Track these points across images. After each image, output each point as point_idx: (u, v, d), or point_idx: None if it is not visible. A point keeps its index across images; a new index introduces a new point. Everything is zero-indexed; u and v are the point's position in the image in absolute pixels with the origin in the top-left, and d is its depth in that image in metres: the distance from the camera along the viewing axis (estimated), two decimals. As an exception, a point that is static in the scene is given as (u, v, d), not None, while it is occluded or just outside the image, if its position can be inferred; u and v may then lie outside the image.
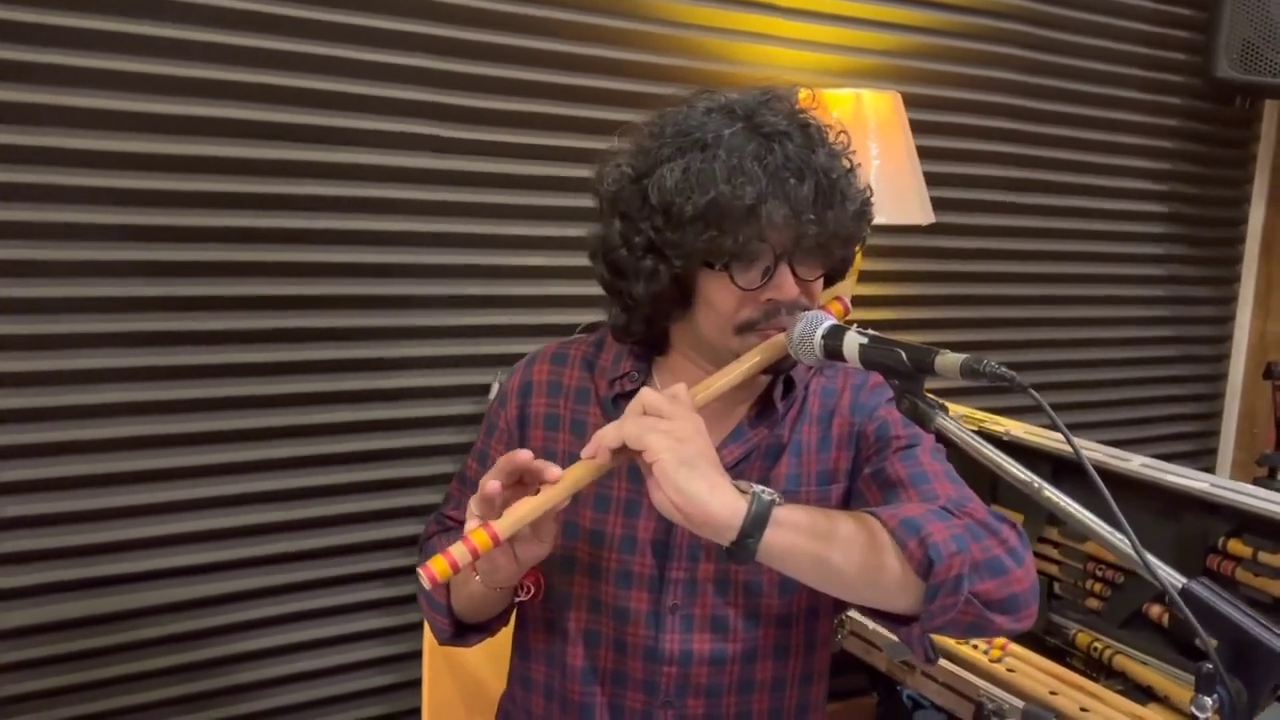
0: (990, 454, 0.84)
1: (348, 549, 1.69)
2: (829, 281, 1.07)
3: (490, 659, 1.35)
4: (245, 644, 1.62)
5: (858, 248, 1.11)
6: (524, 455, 0.92)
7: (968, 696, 1.40)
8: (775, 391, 1.08)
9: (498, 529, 0.89)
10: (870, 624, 1.54)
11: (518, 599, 1.07)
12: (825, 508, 0.97)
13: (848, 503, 1.06)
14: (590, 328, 1.73)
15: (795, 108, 1.02)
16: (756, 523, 0.88)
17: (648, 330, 1.07)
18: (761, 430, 1.08)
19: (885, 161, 1.73)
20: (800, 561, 0.91)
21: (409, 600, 1.70)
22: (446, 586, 1.05)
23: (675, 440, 0.89)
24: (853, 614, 1.54)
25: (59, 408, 1.46)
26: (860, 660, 1.60)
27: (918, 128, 1.84)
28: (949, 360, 0.85)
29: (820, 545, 0.90)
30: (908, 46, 2.10)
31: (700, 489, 0.88)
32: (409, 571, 1.71)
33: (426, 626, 1.43)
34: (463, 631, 1.10)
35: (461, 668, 1.42)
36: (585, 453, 0.93)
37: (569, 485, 0.92)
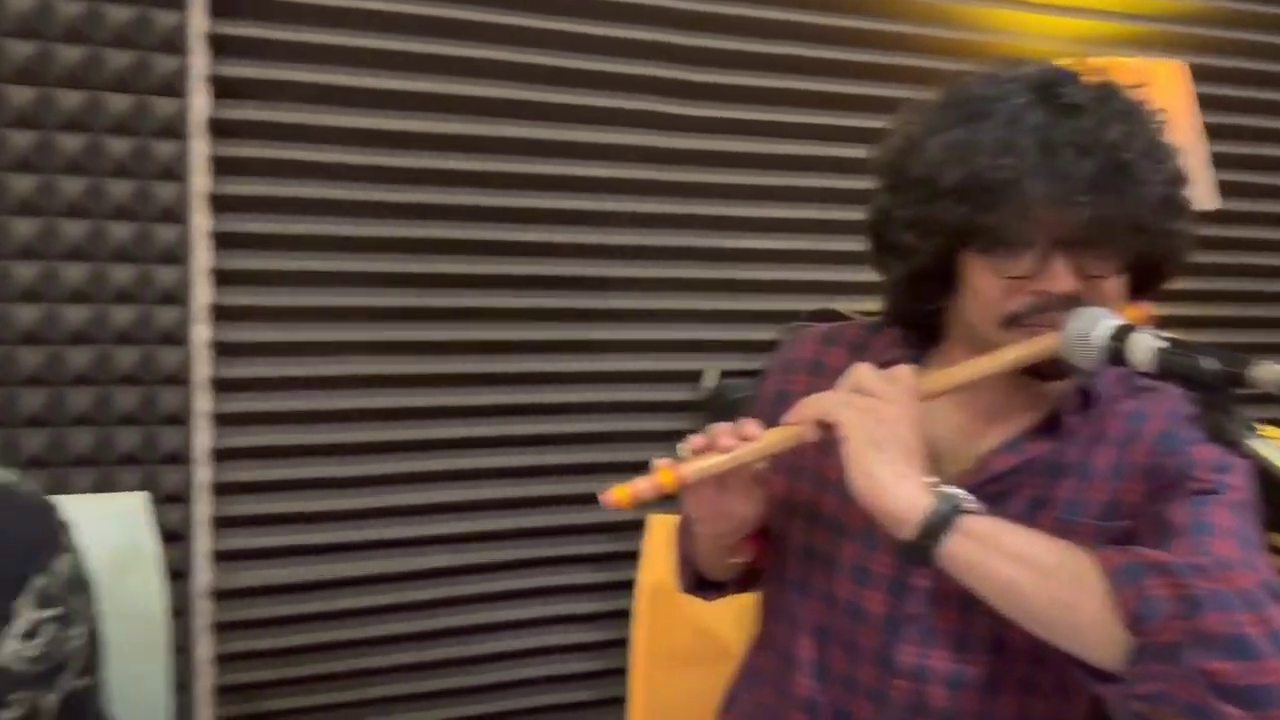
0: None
1: (558, 530, 1.68)
2: (1141, 287, 0.92)
3: (700, 643, 1.35)
4: (457, 619, 1.64)
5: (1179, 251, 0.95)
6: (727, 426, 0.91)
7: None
8: (1068, 403, 0.96)
9: (683, 471, 0.89)
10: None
11: (731, 559, 1.03)
12: (1097, 544, 0.85)
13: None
14: (823, 315, 1.64)
15: (1107, 82, 0.90)
16: (936, 525, 0.82)
17: (912, 314, 1.00)
18: (1043, 444, 0.95)
19: (1166, 139, 1.55)
20: (984, 580, 0.83)
21: (620, 586, 1.67)
22: (690, 538, 1.07)
23: (873, 420, 0.85)
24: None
25: (299, 378, 1.51)
26: None
27: (1205, 103, 1.66)
28: (1270, 372, 0.70)
29: (1011, 567, 0.82)
30: (1196, 12, 1.89)
31: (883, 474, 0.84)
32: (619, 557, 1.68)
33: (636, 612, 1.41)
34: (701, 585, 1.11)
35: (671, 657, 1.39)
36: (787, 418, 0.90)
37: (761, 447, 0.90)
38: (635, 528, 1.47)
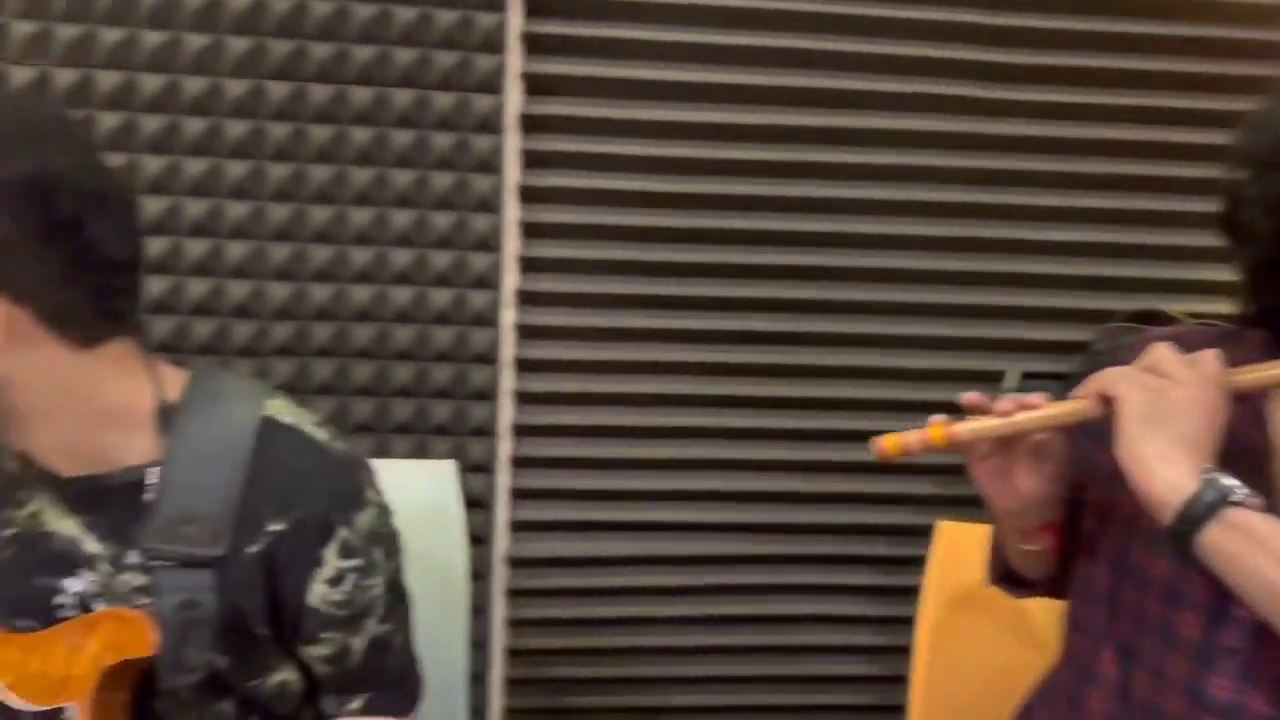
0: None
1: (844, 529, 1.64)
2: None
3: (988, 656, 1.29)
4: (735, 607, 1.64)
5: None
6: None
7: None
8: None
9: (955, 429, 0.91)
10: None
11: (1025, 546, 1.00)
12: None
13: None
14: (1146, 316, 1.50)
15: None
16: (1198, 512, 0.78)
17: (1268, 311, 0.90)
18: None
19: None
20: (1245, 578, 0.78)
21: (903, 591, 1.61)
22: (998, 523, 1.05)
23: (1156, 399, 0.81)
24: None
25: (595, 361, 1.57)
26: None
27: None
28: None
29: (1277, 569, 0.76)
30: None
31: (1149, 454, 0.80)
32: (904, 561, 1.62)
33: (919, 619, 1.36)
34: (1009, 578, 1.09)
35: (954, 669, 1.33)
36: (1077, 391, 0.88)
37: (1041, 417, 0.89)
38: (924, 533, 1.41)
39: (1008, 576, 1.08)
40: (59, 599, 0.95)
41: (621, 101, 1.50)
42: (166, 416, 0.90)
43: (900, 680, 1.39)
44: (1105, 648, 0.96)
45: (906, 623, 1.47)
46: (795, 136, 1.53)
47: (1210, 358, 0.83)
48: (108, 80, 1.40)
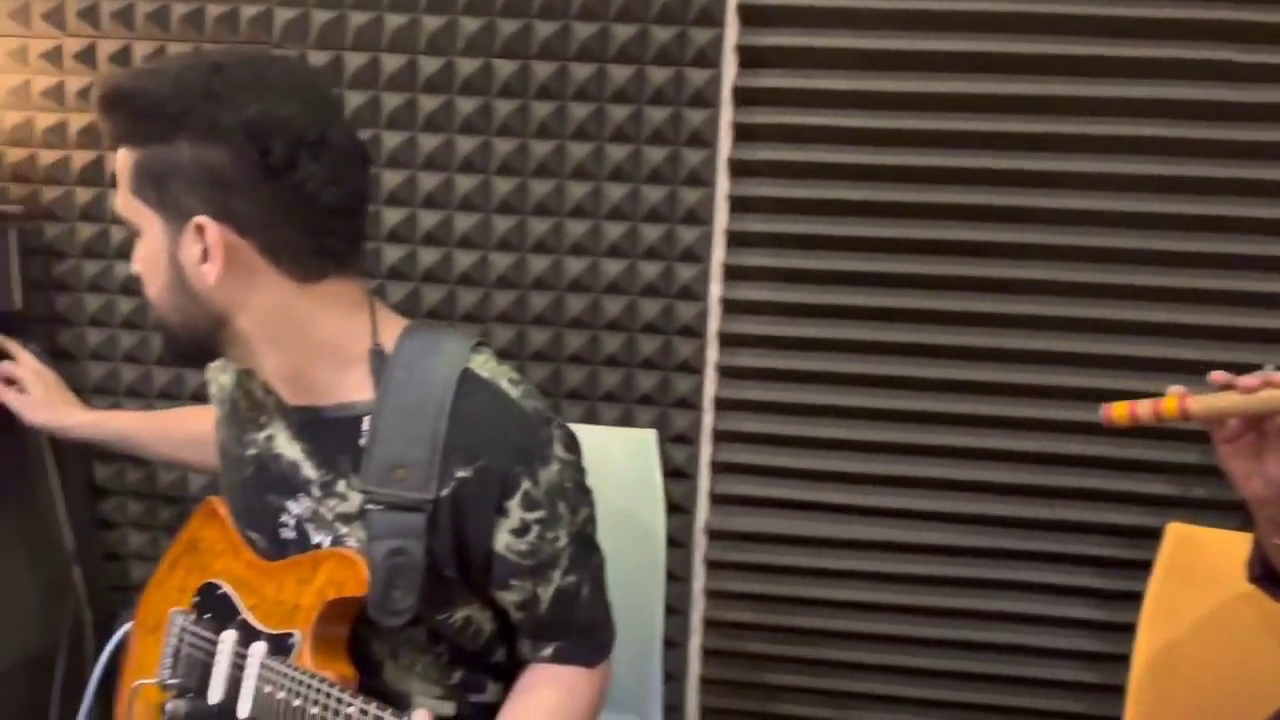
0: None
1: (1065, 525, 1.54)
2: None
3: (1209, 675, 1.20)
4: (943, 600, 1.58)
5: None
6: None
7: None
8: None
9: (1189, 402, 0.89)
10: None
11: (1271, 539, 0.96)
12: None
13: None
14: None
15: None
16: None
17: None
18: None
19: None
20: None
21: (1126, 596, 1.50)
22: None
23: None
24: None
25: (798, 338, 1.55)
26: None
27: None
28: None
29: None
30: None
31: None
32: (1126, 564, 1.51)
33: (1140, 627, 1.27)
34: (1271, 577, 1.03)
35: (1173, 679, 1.23)
36: None
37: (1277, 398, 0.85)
38: (1153, 535, 1.31)
39: (1269, 574, 1.02)
40: (284, 518, 1.05)
41: (834, 73, 1.47)
42: (379, 361, 0.98)
43: (1117, 690, 1.30)
44: None
45: (1129, 630, 1.37)
46: (1009, 105, 1.45)
47: None
48: (355, 60, 1.53)
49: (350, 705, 0.92)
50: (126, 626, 1.28)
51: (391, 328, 1.01)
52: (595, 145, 1.52)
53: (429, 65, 1.52)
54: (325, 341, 0.98)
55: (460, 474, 0.95)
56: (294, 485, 1.04)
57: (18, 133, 1.59)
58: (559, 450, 0.99)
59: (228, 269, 0.93)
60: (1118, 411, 0.92)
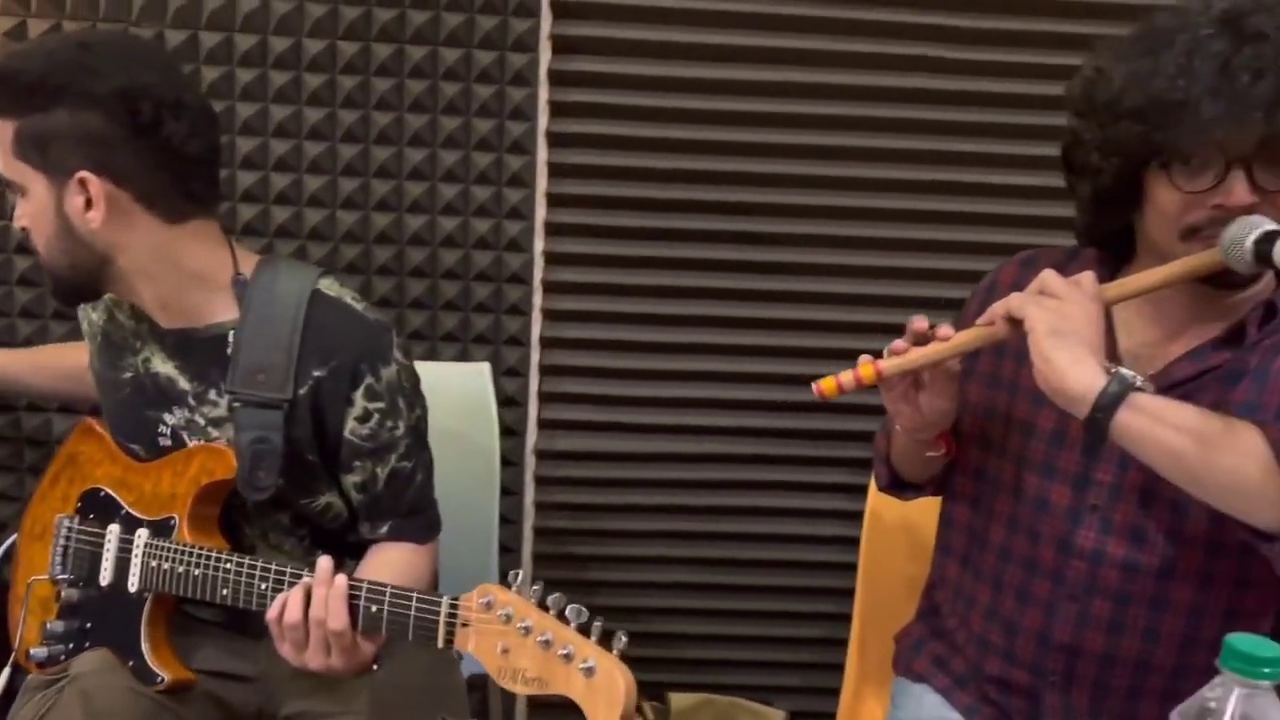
0: None
1: (814, 434, 1.86)
2: None
3: (916, 564, 1.44)
4: (733, 499, 1.89)
5: None
6: (922, 321, 1.04)
7: None
8: (1253, 315, 1.02)
9: (882, 365, 1.03)
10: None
11: (929, 454, 1.17)
12: None
13: None
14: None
15: None
16: (1110, 401, 0.91)
17: (1101, 232, 1.09)
18: (1225, 353, 1.03)
19: None
20: (1152, 450, 0.92)
21: (862, 489, 1.81)
22: (888, 439, 1.21)
23: (1056, 315, 0.95)
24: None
25: (613, 285, 1.82)
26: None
27: None
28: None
29: (1178, 438, 0.90)
30: None
31: (1062, 359, 0.93)
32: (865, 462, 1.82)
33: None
34: (899, 484, 1.25)
35: (890, 574, 1.53)
36: (981, 320, 1.02)
37: (955, 345, 1.03)
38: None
39: (895, 483, 1.26)
40: (160, 429, 1.25)
41: (632, 59, 1.73)
42: (241, 286, 1.19)
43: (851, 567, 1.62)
44: (993, 522, 1.16)
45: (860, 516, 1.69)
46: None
47: (1088, 277, 1.00)
48: (210, 39, 1.69)
49: (227, 562, 1.13)
50: (11, 539, 1.43)
51: (249, 260, 1.22)
52: (430, 117, 1.74)
53: (279, 44, 1.70)
54: (195, 272, 1.18)
55: (317, 373, 1.17)
56: (170, 398, 1.23)
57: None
58: (398, 354, 1.22)
59: (109, 215, 1.11)
60: (827, 386, 1.03)
